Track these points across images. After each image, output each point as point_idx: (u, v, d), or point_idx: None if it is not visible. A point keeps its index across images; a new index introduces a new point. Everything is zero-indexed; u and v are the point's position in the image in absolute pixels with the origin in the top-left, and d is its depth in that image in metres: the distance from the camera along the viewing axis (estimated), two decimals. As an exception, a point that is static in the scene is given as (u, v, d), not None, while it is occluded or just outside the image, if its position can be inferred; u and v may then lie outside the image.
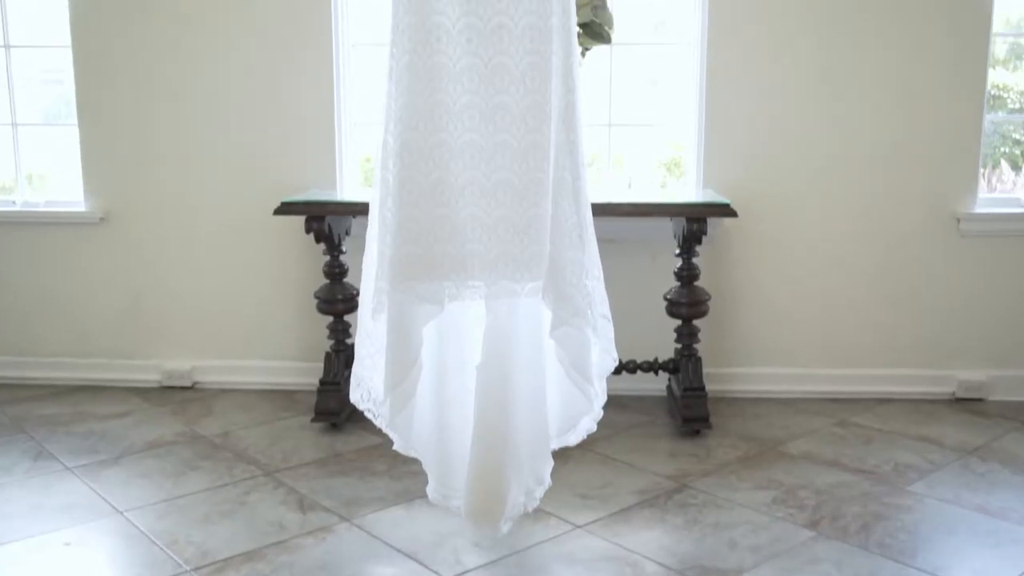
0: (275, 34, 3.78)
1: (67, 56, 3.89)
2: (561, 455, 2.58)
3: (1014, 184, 4.09)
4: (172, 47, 3.82)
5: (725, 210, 3.38)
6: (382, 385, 2.26)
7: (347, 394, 2.43)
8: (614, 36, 3.43)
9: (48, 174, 4.33)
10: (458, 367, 2.35)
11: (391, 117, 2.23)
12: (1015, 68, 4.08)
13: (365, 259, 2.33)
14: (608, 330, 2.34)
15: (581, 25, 3.23)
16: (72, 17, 3.83)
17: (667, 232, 3.68)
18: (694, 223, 3.39)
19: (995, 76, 3.92)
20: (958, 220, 3.77)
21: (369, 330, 2.31)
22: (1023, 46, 4.10)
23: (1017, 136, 4.13)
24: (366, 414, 2.39)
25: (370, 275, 2.29)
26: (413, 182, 2.21)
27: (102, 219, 3.97)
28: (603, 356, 2.36)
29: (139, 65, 3.84)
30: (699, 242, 3.43)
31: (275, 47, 3.79)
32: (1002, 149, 4.12)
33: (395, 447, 2.43)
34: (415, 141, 2.22)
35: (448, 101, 2.21)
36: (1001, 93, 4.02)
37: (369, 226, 2.33)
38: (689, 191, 3.85)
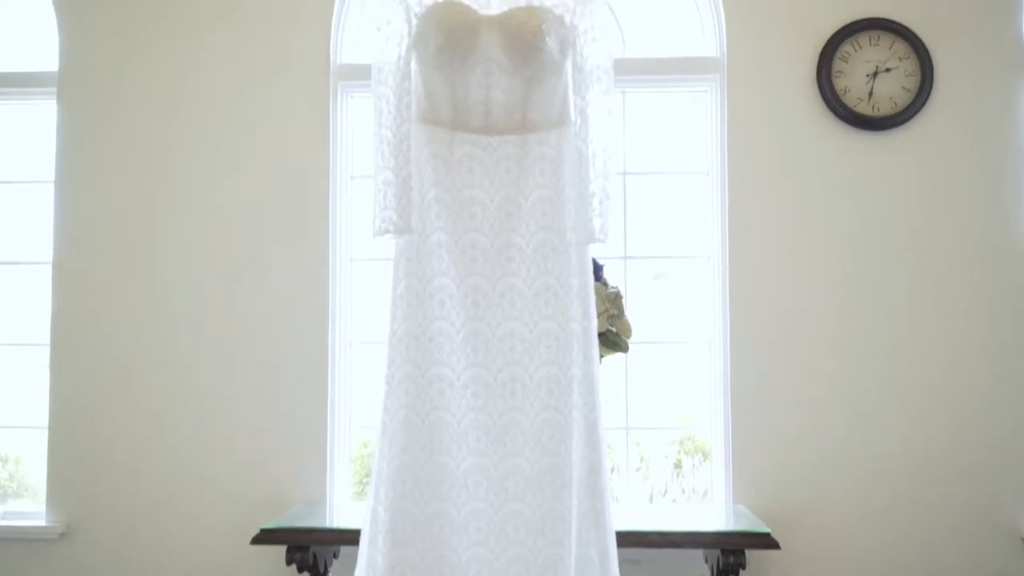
0: (264, 343, 3.52)
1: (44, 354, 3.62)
2: None
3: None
4: (148, 337, 3.55)
5: (765, 540, 2.93)
6: None
7: None
8: (631, 342, 3.17)
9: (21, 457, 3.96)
10: None
11: (382, 481, 1.86)
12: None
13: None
14: None
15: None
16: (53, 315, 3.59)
17: (697, 554, 3.24)
18: (730, 555, 2.95)
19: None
20: None
21: None
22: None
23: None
24: None
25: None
26: (406, 563, 1.81)
27: (63, 535, 3.52)
28: None
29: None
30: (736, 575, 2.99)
31: (267, 357, 3.52)
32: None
33: None
34: (410, 512, 1.84)
35: (451, 464, 1.86)
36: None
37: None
38: (719, 510, 3.40)
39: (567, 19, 1.95)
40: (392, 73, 1.94)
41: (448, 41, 1.86)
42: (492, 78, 1.90)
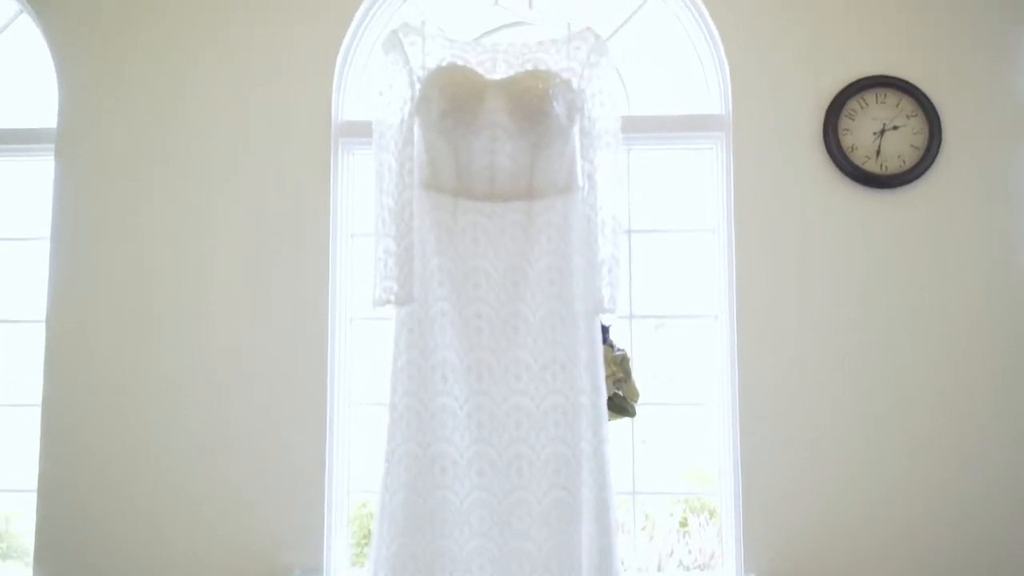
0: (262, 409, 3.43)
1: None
2: None
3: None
4: (142, 398, 3.46)
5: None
6: None
7: None
8: (638, 406, 3.08)
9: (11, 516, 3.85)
10: None
11: (380, 565, 1.77)
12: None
13: None
14: None
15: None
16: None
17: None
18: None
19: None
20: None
21: None
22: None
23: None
24: None
25: None
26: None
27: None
28: None
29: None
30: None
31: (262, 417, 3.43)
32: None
33: None
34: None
35: (454, 548, 1.76)
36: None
37: None
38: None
39: (574, 83, 1.90)
40: (394, 138, 1.88)
41: (452, 106, 1.80)
42: (497, 143, 1.84)
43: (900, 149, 3.41)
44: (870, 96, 3.44)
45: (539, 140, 1.86)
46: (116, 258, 3.51)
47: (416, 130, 1.90)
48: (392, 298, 1.84)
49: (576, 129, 1.91)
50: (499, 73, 1.90)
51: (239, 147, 3.52)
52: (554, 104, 1.82)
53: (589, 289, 1.88)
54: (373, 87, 1.91)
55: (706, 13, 3.54)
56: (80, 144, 3.57)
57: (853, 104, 3.43)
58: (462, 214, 1.86)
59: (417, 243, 1.86)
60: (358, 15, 3.57)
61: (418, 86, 1.88)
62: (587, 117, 1.90)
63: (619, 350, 3.11)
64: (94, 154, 3.56)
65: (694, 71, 3.65)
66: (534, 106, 1.81)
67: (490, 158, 1.86)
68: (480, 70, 1.88)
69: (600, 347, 1.91)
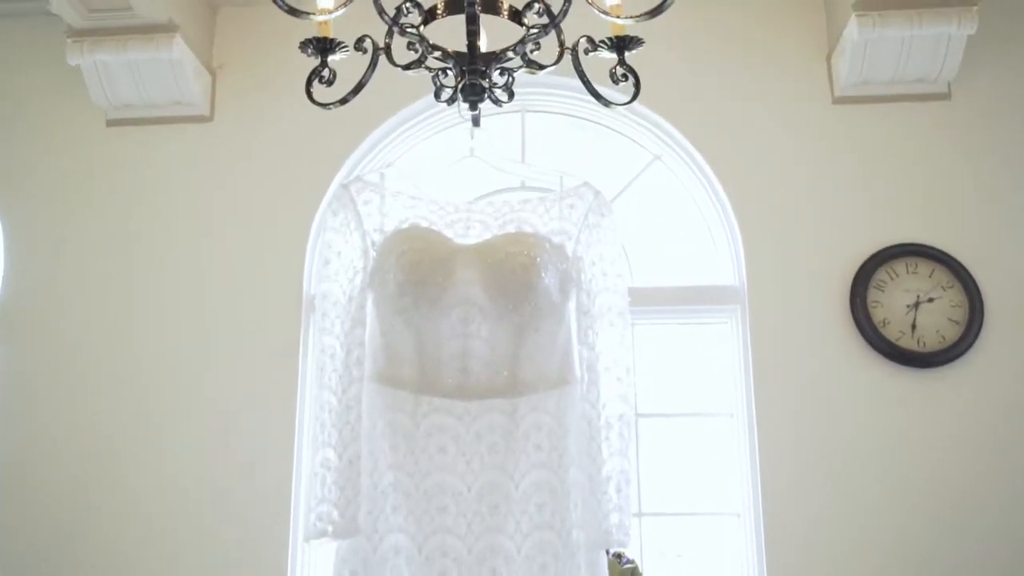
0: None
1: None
2: None
3: None
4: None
5: None
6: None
7: None
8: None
9: None
10: None
11: None
12: None
13: None
14: None
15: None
16: None
17: None
18: None
19: None
20: None
21: None
22: None
23: None
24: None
25: None
26: None
27: None
28: None
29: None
30: None
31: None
32: None
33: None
34: None
35: None
36: None
37: None
38: None
39: (569, 248, 1.49)
40: (340, 318, 1.45)
41: (413, 277, 1.38)
42: (471, 326, 1.40)
43: (938, 323, 3.00)
44: (900, 266, 3.06)
45: (525, 322, 1.41)
46: (72, 433, 3.05)
47: (369, 308, 1.47)
48: (329, 529, 1.36)
49: (571, 306, 1.48)
50: (473, 237, 1.50)
51: (208, 318, 3.11)
52: (543, 275, 1.40)
53: (592, 514, 1.40)
54: (319, 254, 1.52)
55: (714, 178, 3.21)
56: (27, 326, 3.18)
57: (882, 274, 3.05)
58: (425, 416, 1.40)
59: (366, 454, 1.39)
60: (332, 186, 3.26)
61: (372, 253, 1.48)
62: (585, 291, 1.48)
63: (628, 561, 2.61)
64: (40, 337, 3.16)
65: (702, 238, 3.31)
66: (518, 278, 1.39)
67: (462, 344, 1.41)
68: (449, 233, 1.48)
69: (607, 590, 1.42)
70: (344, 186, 1.53)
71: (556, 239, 1.49)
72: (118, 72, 3.16)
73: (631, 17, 1.56)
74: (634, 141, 3.35)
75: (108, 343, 3.12)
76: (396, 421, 1.40)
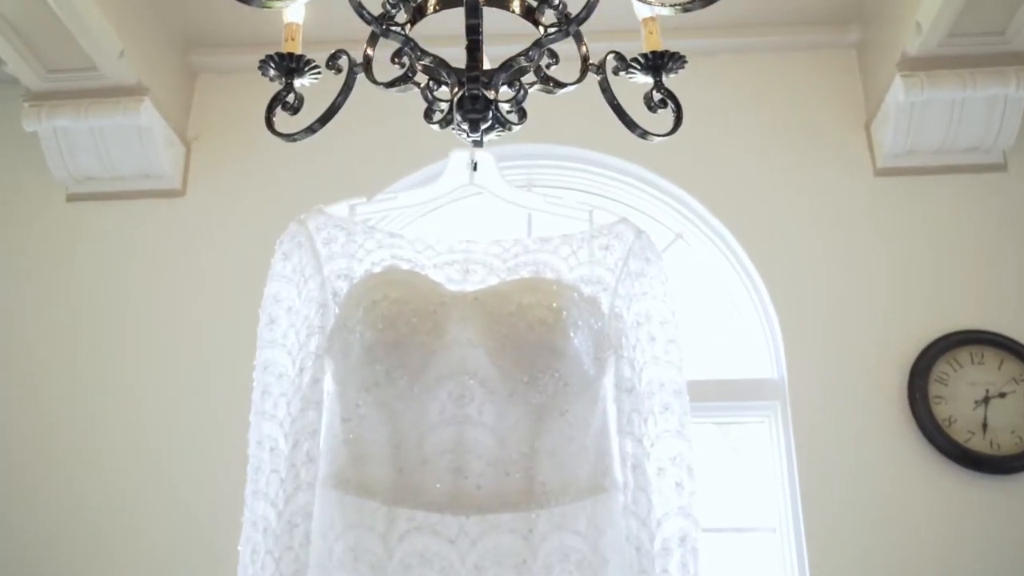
0: None
1: None
2: None
3: None
4: None
5: None
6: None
7: None
8: None
9: None
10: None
11: None
12: None
13: None
14: None
15: None
16: None
17: None
18: None
19: None
20: None
21: None
22: None
23: None
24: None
25: None
26: None
27: None
28: None
29: None
30: None
31: None
32: None
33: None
34: None
35: None
36: None
37: None
38: None
39: (604, 303, 1.05)
40: (286, 397, 1.01)
41: (387, 338, 0.94)
42: (470, 408, 0.94)
43: (1014, 422, 2.55)
44: (963, 355, 2.64)
45: (545, 400, 0.95)
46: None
47: (328, 383, 1.03)
48: None
49: (608, 381, 1.05)
50: (474, 283, 1.07)
51: (175, 424, 2.69)
52: (572, 335, 0.95)
53: None
54: (261, 312, 1.11)
55: (745, 258, 2.82)
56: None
57: (943, 366, 2.62)
58: (403, 537, 0.93)
59: (318, 593, 0.95)
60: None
61: (334, 308, 1.05)
62: (628, 361, 1.04)
63: None
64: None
65: (731, 324, 2.90)
66: (537, 338, 0.93)
67: (456, 433, 0.95)
68: (440, 277, 1.06)
69: None
70: (300, 221, 1.13)
71: (586, 289, 1.06)
72: (80, 139, 2.81)
73: (674, 5, 1.20)
74: (653, 219, 2.98)
75: (69, 439, 2.69)
76: (361, 545, 0.94)
